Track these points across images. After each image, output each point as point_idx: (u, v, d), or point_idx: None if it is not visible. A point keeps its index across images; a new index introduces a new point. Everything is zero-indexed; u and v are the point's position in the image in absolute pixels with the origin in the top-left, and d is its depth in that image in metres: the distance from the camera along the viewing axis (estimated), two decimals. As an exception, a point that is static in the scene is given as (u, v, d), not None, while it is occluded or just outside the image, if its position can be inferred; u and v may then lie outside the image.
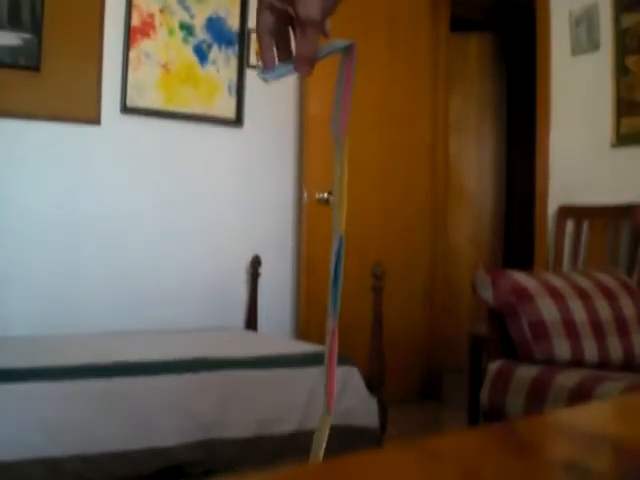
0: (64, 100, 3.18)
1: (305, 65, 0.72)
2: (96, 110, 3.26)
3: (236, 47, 3.63)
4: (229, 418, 2.29)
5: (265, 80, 0.75)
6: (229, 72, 3.61)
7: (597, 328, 2.42)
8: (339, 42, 0.75)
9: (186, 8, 3.49)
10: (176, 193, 3.48)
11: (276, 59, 0.74)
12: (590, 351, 2.38)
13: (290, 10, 0.70)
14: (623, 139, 3.26)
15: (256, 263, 3.59)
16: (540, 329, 2.37)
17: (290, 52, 0.75)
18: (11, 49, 3.04)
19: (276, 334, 3.62)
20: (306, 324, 3.64)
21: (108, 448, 2.07)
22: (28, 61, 3.08)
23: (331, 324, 0.74)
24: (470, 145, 5.17)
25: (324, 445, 0.75)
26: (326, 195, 3.72)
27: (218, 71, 3.58)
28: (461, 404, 3.68)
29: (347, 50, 0.75)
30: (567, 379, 2.16)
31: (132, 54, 3.35)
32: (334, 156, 0.76)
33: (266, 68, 0.73)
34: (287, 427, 2.38)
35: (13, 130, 3.08)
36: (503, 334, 2.53)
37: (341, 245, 0.74)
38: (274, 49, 0.73)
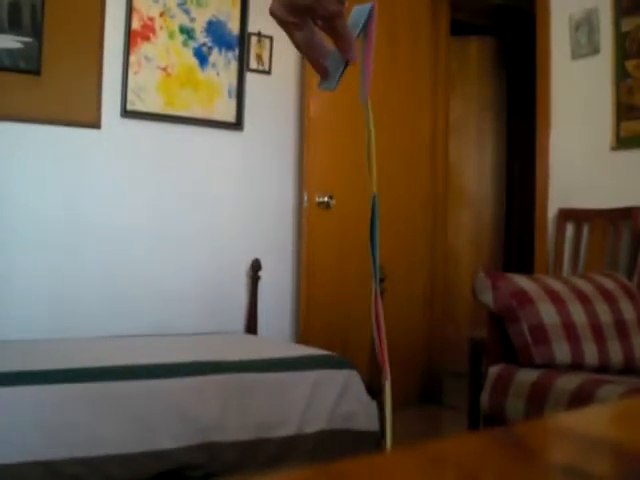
0: (64, 104, 3.19)
1: (352, 52, 0.74)
2: (96, 114, 3.26)
3: (236, 50, 3.63)
4: (229, 421, 2.29)
5: (331, 89, 0.76)
6: (229, 75, 3.61)
7: (597, 332, 2.41)
8: (359, 10, 0.75)
9: (186, 12, 3.49)
10: (176, 196, 3.48)
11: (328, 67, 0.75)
12: (590, 355, 2.38)
13: (311, 16, 0.71)
14: (623, 142, 3.26)
15: (256, 266, 3.59)
16: (540, 333, 2.37)
17: (327, 51, 0.76)
18: (11, 52, 3.04)
19: (276, 338, 3.61)
20: (306, 328, 3.64)
21: (108, 451, 2.07)
22: (28, 65, 3.08)
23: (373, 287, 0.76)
24: (470, 148, 5.18)
25: (390, 416, 0.76)
26: (326, 199, 3.72)
27: (218, 74, 3.58)
28: (461, 408, 3.68)
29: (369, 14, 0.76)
30: (567, 383, 2.16)
31: (132, 58, 3.35)
32: (364, 120, 0.76)
33: (325, 79, 0.75)
34: (287, 430, 2.38)
35: (13, 133, 3.08)
36: (503, 338, 2.53)
37: (375, 204, 0.75)
38: (321, 59, 0.74)
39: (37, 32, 3.09)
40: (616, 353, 2.41)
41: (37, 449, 1.98)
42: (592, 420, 0.43)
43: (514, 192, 5.23)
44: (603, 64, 3.34)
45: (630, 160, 3.23)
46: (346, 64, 0.75)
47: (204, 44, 3.55)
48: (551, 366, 2.35)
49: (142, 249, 3.38)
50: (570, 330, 2.38)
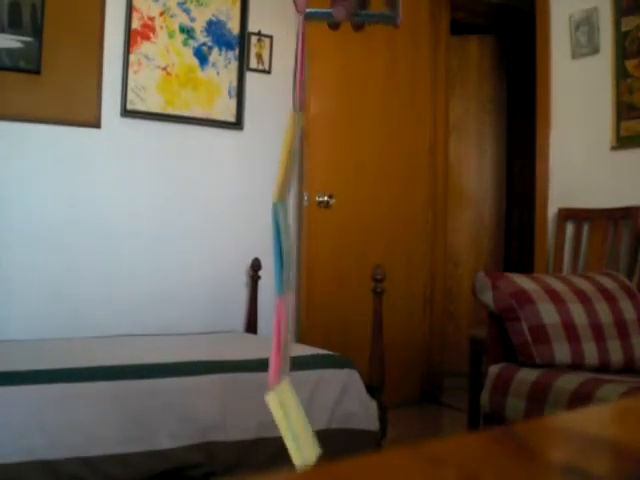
0: (64, 103, 3.19)
1: None
2: (96, 113, 3.26)
3: (236, 50, 3.63)
4: (229, 421, 2.29)
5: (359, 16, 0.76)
6: (229, 75, 3.61)
7: (597, 331, 2.41)
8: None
9: (186, 11, 3.49)
10: (176, 196, 3.48)
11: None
12: (590, 354, 2.38)
13: None
14: (623, 142, 3.26)
15: (256, 266, 3.58)
16: (540, 332, 2.37)
17: None
18: (11, 52, 3.04)
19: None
20: (306, 327, 3.64)
21: (108, 451, 2.07)
22: (28, 64, 3.08)
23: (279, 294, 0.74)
24: (470, 148, 5.18)
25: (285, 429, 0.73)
26: (326, 198, 3.72)
27: (218, 74, 3.58)
28: (461, 408, 3.68)
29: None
30: (567, 382, 2.16)
31: (132, 57, 3.35)
32: (290, 122, 0.77)
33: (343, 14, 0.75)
34: (287, 430, 2.38)
35: (13, 133, 3.08)
36: (503, 337, 2.53)
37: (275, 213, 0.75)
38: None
39: (37, 32, 3.09)
40: (616, 353, 2.41)
41: (37, 449, 1.98)
42: (592, 420, 0.43)
43: (514, 192, 5.22)
44: (603, 64, 3.34)
45: (630, 160, 3.23)
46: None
47: (204, 44, 3.55)
48: (551, 366, 2.35)
49: (142, 248, 3.38)
50: (570, 330, 2.38)
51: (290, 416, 0.73)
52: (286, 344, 0.77)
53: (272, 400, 0.72)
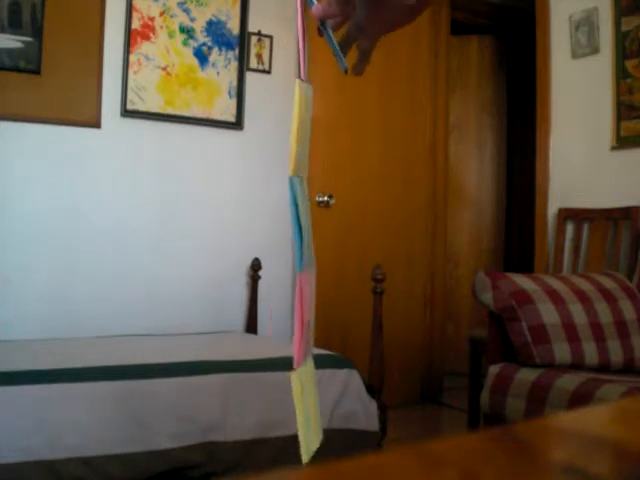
0: (64, 103, 3.19)
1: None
2: (96, 113, 3.26)
3: (236, 50, 3.63)
4: (229, 421, 2.29)
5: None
6: (229, 75, 3.61)
7: (597, 331, 2.41)
8: None
9: (186, 11, 3.49)
10: (176, 196, 3.48)
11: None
12: (590, 354, 2.38)
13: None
14: (623, 142, 3.26)
15: (256, 266, 3.58)
16: (540, 332, 2.37)
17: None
18: (11, 52, 3.04)
19: (276, 337, 3.61)
20: (306, 327, 3.63)
21: (108, 451, 2.07)
22: (29, 64, 3.08)
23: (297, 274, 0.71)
24: (470, 148, 5.18)
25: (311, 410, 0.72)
26: (326, 198, 3.72)
27: (218, 74, 3.58)
28: (461, 408, 3.68)
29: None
30: (567, 382, 2.16)
31: (132, 57, 3.35)
32: (297, 97, 0.74)
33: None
34: (287, 430, 2.38)
35: (13, 133, 3.08)
36: (503, 337, 2.53)
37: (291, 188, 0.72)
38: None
39: (37, 32, 3.09)
40: (616, 353, 2.41)
41: (37, 449, 1.98)
42: (592, 420, 0.43)
43: (514, 192, 5.23)
44: (603, 64, 3.34)
45: (630, 160, 3.23)
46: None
47: (204, 44, 3.54)
48: (551, 366, 2.35)
49: (142, 248, 3.38)
50: (570, 330, 2.38)
51: (307, 399, 0.72)
52: (309, 324, 0.74)
53: (294, 380, 0.71)
